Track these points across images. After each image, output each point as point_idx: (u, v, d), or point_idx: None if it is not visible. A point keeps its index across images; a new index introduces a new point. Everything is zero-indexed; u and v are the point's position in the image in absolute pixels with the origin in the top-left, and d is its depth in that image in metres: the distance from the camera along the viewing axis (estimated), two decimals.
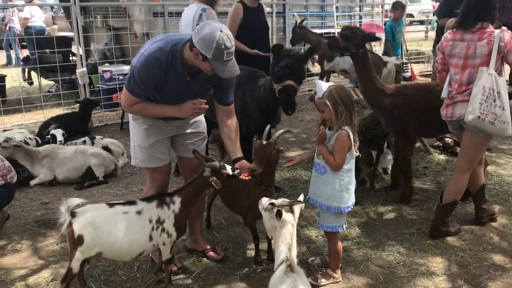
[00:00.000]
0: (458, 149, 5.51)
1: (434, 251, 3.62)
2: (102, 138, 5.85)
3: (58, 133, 5.73)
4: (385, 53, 8.01)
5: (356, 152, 3.05)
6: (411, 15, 21.75)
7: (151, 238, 2.90)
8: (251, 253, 3.58)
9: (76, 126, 6.39)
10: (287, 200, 2.68)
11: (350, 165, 3.04)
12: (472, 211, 4.22)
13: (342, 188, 3.04)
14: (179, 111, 3.03)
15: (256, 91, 4.15)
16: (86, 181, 5.03)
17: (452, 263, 3.46)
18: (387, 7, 14.69)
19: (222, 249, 3.63)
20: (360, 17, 12.32)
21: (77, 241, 2.74)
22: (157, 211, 2.92)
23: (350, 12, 12.12)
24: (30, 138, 5.77)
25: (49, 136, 5.77)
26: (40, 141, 5.88)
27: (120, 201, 3.00)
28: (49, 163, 5.05)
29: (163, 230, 2.91)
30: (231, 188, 3.37)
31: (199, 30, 2.77)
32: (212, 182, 2.89)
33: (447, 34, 3.62)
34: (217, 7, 5.44)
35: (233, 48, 2.79)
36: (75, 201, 2.83)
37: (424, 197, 4.55)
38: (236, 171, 2.97)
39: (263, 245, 3.51)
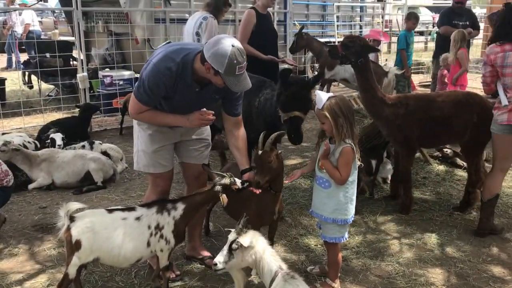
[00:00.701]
0: (458, 159, 5.59)
1: (434, 262, 3.60)
2: (101, 143, 5.83)
3: (58, 137, 5.71)
4: (400, 62, 7.91)
5: (359, 162, 3.04)
6: None
7: (149, 244, 2.87)
8: None
9: (76, 131, 6.38)
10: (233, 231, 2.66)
11: (353, 176, 3.02)
12: (472, 222, 4.22)
13: (347, 200, 3.01)
14: (187, 122, 3.02)
15: (263, 104, 4.06)
16: (84, 186, 5.01)
17: (452, 275, 3.45)
18: (387, 17, 14.81)
19: None
20: (361, 27, 12.39)
21: (74, 246, 2.72)
22: (156, 217, 2.90)
23: (351, 22, 12.20)
24: (29, 142, 5.76)
25: (48, 140, 5.75)
26: (39, 145, 5.87)
27: (120, 207, 2.98)
28: (47, 167, 5.03)
29: (161, 236, 2.89)
30: (238, 196, 3.35)
31: (211, 45, 2.76)
32: (221, 198, 2.89)
33: (494, 48, 3.64)
34: (221, 17, 5.48)
35: (245, 62, 2.79)
36: (74, 205, 2.82)
37: (424, 207, 4.54)
38: (245, 184, 2.97)
39: None
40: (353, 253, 3.70)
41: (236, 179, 2.94)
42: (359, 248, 3.78)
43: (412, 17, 8.09)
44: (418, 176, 5.29)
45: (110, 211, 2.90)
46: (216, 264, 2.60)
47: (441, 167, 5.58)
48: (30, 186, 5.01)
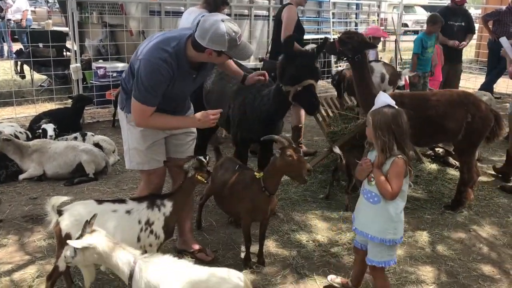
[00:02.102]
0: (450, 158, 5.61)
1: (424, 259, 3.62)
2: (93, 135, 5.80)
3: (49, 127, 5.66)
4: (410, 67, 7.41)
5: (411, 181, 2.79)
6: (405, 25, 21.88)
7: (139, 239, 2.85)
8: (241, 255, 3.55)
9: (68, 122, 6.34)
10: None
11: (403, 194, 2.74)
12: (462, 221, 4.25)
13: (397, 219, 2.73)
14: (198, 123, 3.00)
15: (258, 100, 3.93)
16: (76, 178, 4.97)
17: (442, 273, 3.47)
18: (383, 15, 14.82)
19: (212, 250, 3.60)
20: (356, 24, 12.39)
21: (64, 240, 2.67)
22: (147, 212, 2.87)
23: (346, 19, 12.18)
24: (20, 132, 5.72)
25: (40, 131, 5.70)
26: (30, 136, 5.82)
27: (110, 199, 2.95)
28: (39, 157, 4.99)
29: (151, 232, 2.87)
30: (231, 191, 3.37)
31: (203, 32, 2.72)
32: (199, 178, 2.90)
33: None
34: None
35: (239, 30, 2.79)
36: (60, 199, 2.77)
37: (415, 205, 4.55)
38: (207, 157, 3.00)
39: (254, 248, 3.48)
40: (345, 250, 3.70)
41: (201, 158, 2.95)
42: (351, 245, 3.77)
43: (438, 20, 7.15)
44: None
45: (100, 202, 2.86)
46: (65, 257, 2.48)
47: (433, 166, 5.60)
48: (21, 177, 4.96)
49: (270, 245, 3.72)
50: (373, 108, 2.76)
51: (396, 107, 2.75)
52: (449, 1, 7.88)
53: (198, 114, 2.99)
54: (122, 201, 2.91)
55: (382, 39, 7.50)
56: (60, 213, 2.73)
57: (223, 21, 2.73)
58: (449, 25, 7.45)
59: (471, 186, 4.40)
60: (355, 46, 4.05)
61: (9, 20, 12.43)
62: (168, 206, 2.91)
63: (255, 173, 3.28)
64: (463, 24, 7.55)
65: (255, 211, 3.28)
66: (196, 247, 3.55)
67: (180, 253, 3.56)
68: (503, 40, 4.82)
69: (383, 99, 2.76)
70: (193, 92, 3.28)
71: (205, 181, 2.95)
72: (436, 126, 4.20)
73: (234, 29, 2.74)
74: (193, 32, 2.79)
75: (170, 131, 3.25)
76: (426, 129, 4.20)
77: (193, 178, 2.92)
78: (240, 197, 3.30)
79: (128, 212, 2.84)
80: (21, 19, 12.28)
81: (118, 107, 3.25)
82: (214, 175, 3.68)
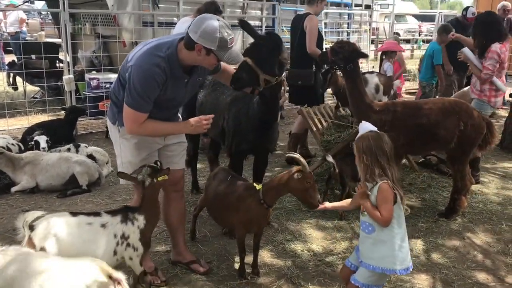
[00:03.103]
0: (443, 166, 5.64)
1: (419, 268, 3.62)
2: (86, 146, 5.77)
3: (42, 139, 5.63)
4: (432, 77, 7.26)
5: (405, 206, 2.71)
6: (397, 34, 22.04)
7: (115, 253, 2.81)
8: (235, 266, 3.53)
9: (61, 133, 6.31)
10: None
11: (400, 220, 2.67)
12: (456, 228, 4.25)
13: (395, 247, 2.63)
14: (191, 128, 2.98)
15: (251, 109, 3.85)
16: (69, 189, 4.94)
17: (437, 281, 3.47)
18: (374, 25, 14.95)
19: (207, 261, 3.58)
20: (348, 34, 12.48)
21: None
22: (121, 226, 2.84)
23: (338, 28, 12.27)
24: (12, 144, 5.69)
25: (32, 143, 5.67)
26: (23, 147, 5.78)
27: (84, 211, 2.92)
28: (31, 170, 4.96)
29: (128, 245, 2.84)
30: (226, 202, 3.36)
31: (197, 27, 2.73)
32: (159, 180, 2.89)
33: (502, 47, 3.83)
34: None
35: (233, 35, 2.80)
36: (33, 214, 2.74)
37: (409, 213, 4.53)
38: (158, 163, 2.99)
39: (248, 259, 3.47)
40: (339, 259, 3.70)
41: (152, 164, 2.95)
42: (345, 254, 3.77)
43: (447, 30, 7.15)
44: (404, 182, 5.31)
45: (74, 214, 2.82)
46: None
47: (427, 174, 5.62)
48: (13, 189, 4.93)
49: (265, 255, 3.71)
50: (357, 136, 2.78)
51: (378, 131, 2.77)
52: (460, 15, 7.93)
53: (192, 120, 2.99)
54: (96, 214, 2.87)
55: (398, 52, 7.47)
56: (32, 228, 2.67)
57: (219, 20, 2.75)
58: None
59: (464, 193, 4.42)
60: (347, 55, 4.08)
61: (1, 34, 12.40)
62: (140, 219, 2.88)
63: (255, 185, 3.28)
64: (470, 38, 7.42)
65: (251, 223, 3.28)
66: (191, 257, 3.52)
67: (174, 264, 3.55)
68: (466, 50, 5.05)
69: (366, 126, 2.79)
70: (186, 106, 3.28)
71: (166, 177, 2.94)
72: (428, 134, 4.22)
73: (228, 31, 2.75)
74: (187, 30, 2.79)
75: (164, 142, 3.23)
76: (419, 137, 4.22)
77: (153, 184, 2.90)
78: (236, 209, 3.29)
79: (103, 225, 2.80)
80: (15, 32, 12.24)
81: (109, 122, 3.21)
82: (207, 186, 3.68)
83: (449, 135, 4.19)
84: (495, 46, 5.04)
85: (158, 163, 2.99)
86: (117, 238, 2.80)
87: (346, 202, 2.96)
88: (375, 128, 2.78)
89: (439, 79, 7.32)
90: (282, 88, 3.52)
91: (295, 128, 6.10)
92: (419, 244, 3.97)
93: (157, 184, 2.92)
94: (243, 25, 3.48)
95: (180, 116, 3.42)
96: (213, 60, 2.83)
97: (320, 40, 5.84)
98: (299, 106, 6.12)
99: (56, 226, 2.68)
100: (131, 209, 2.94)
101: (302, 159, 3.04)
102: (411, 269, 2.71)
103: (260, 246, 3.50)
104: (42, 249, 2.62)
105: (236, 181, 3.46)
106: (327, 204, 3.03)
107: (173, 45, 2.85)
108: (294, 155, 3.07)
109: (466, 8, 7.92)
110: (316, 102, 5.89)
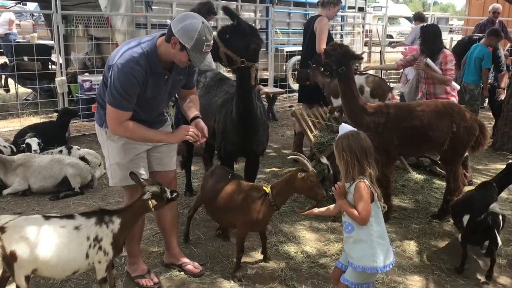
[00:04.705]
0: (436, 168, 5.67)
1: (412, 269, 3.63)
2: (79, 148, 5.75)
3: (34, 142, 5.61)
4: (479, 79, 7.05)
5: (382, 203, 2.73)
6: (390, 36, 22.19)
7: (87, 256, 2.77)
8: (229, 268, 3.53)
9: (53, 135, 6.29)
10: None
11: (377, 218, 2.69)
12: (449, 229, 4.27)
13: (374, 245, 2.65)
14: (170, 138, 2.99)
15: (235, 109, 3.78)
16: (61, 192, 4.91)
17: (430, 282, 3.48)
18: (367, 27, 15.02)
19: (200, 263, 3.57)
20: (341, 36, 12.53)
21: (10, 258, 2.59)
22: (95, 228, 2.79)
23: (332, 30, 12.31)
24: (4, 146, 5.66)
25: (24, 145, 5.63)
26: (15, 150, 5.75)
27: (57, 214, 2.88)
28: (23, 172, 4.93)
29: (100, 248, 2.79)
30: (229, 201, 3.39)
31: (180, 20, 2.72)
32: (150, 203, 2.83)
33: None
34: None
35: (212, 42, 2.79)
36: (5, 218, 2.69)
37: (403, 215, 4.57)
38: (174, 194, 2.94)
39: (245, 259, 3.47)
40: (333, 261, 3.69)
41: (167, 189, 2.91)
42: (339, 256, 3.77)
43: (496, 33, 7.09)
44: (397, 184, 5.33)
45: (47, 218, 2.77)
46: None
47: (420, 176, 5.64)
48: (5, 192, 4.89)
49: (258, 257, 3.70)
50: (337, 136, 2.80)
51: (358, 131, 2.81)
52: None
53: (180, 129, 2.98)
54: (70, 216, 2.82)
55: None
56: (2, 230, 2.63)
57: (203, 23, 2.73)
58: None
59: (457, 195, 4.43)
60: (339, 58, 4.09)
61: None
62: (116, 223, 2.84)
63: (264, 187, 3.33)
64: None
65: (256, 224, 3.31)
66: (184, 259, 3.51)
67: (167, 266, 3.53)
68: (429, 60, 5.17)
69: (345, 127, 2.82)
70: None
71: (152, 209, 2.88)
72: (422, 136, 4.23)
73: (207, 36, 2.74)
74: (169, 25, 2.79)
75: (153, 143, 3.20)
76: (411, 139, 4.23)
77: (146, 201, 2.85)
78: (243, 209, 3.30)
79: (76, 228, 2.75)
80: (5, 33, 12.17)
81: (96, 125, 3.19)
82: (204, 184, 3.67)
83: (442, 136, 4.21)
84: (448, 51, 5.26)
85: (173, 193, 2.96)
86: (89, 240, 2.76)
87: (331, 206, 2.98)
88: (355, 129, 2.82)
89: (483, 82, 7.23)
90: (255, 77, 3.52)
91: (297, 128, 6.14)
92: (412, 246, 3.98)
93: (147, 203, 2.84)
94: (226, 10, 3.52)
95: (169, 119, 3.41)
96: (184, 58, 2.80)
97: (330, 42, 5.86)
98: (293, 108, 6.14)
99: (27, 229, 2.64)
100: (108, 212, 2.89)
101: (303, 159, 3.13)
102: (391, 266, 2.73)
103: (253, 248, 3.51)
104: (12, 252, 2.58)
105: (239, 181, 3.50)
106: (315, 210, 3.10)
107: (153, 40, 2.85)
108: (297, 156, 3.18)
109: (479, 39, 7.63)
110: (324, 101, 6.01)
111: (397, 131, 4.20)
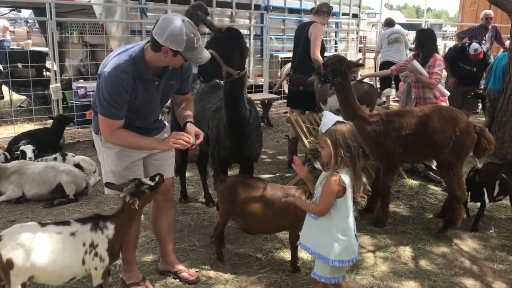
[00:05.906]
0: (431, 173, 5.68)
1: (408, 275, 3.63)
2: (73, 155, 5.72)
3: (28, 149, 5.58)
4: (500, 84, 7.14)
5: (355, 195, 2.77)
6: None
7: (83, 262, 2.76)
8: (224, 275, 3.52)
9: (48, 142, 6.26)
10: None
11: (344, 212, 2.71)
12: (445, 235, 4.28)
13: (332, 237, 2.69)
14: (159, 144, 2.96)
15: (225, 113, 3.77)
16: (56, 199, 4.89)
17: (425, 287, 3.48)
18: (362, 33, 15.09)
19: (195, 270, 3.56)
20: (336, 42, 12.59)
21: (7, 266, 2.57)
22: (91, 234, 2.78)
23: (326, 37, 12.37)
24: None
25: (18, 152, 5.61)
26: (9, 157, 5.71)
27: (53, 221, 2.87)
28: (17, 179, 4.90)
29: (96, 254, 2.78)
30: (275, 207, 3.43)
31: (161, 29, 2.68)
32: (132, 202, 2.82)
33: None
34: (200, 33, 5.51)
35: (199, 34, 2.78)
36: None
37: (397, 221, 4.58)
38: (157, 178, 2.92)
39: (240, 267, 3.45)
40: None
41: (143, 179, 2.91)
42: None
43: None
44: (392, 189, 5.33)
45: (43, 225, 2.76)
46: None
47: (414, 181, 5.66)
48: None
49: (254, 264, 3.69)
50: (325, 128, 2.71)
51: (345, 121, 2.77)
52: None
53: (169, 137, 2.95)
54: (66, 223, 2.82)
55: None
56: None
57: (183, 21, 2.71)
58: (460, 67, 7.34)
59: (465, 203, 4.38)
60: (334, 68, 4.12)
61: None
62: (110, 228, 2.83)
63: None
64: (474, 70, 7.35)
65: (303, 220, 3.13)
66: (179, 266, 3.50)
67: (162, 273, 3.52)
68: (416, 62, 5.26)
69: (330, 117, 2.75)
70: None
71: (137, 208, 2.85)
72: (424, 143, 4.20)
73: (193, 31, 2.72)
74: (151, 31, 2.77)
75: (149, 150, 3.18)
76: (414, 146, 4.20)
77: (128, 204, 2.83)
78: (290, 210, 3.33)
79: (72, 234, 2.74)
80: (2, 34, 12.16)
81: (93, 132, 3.19)
82: (229, 198, 3.61)
83: (445, 142, 4.16)
84: (439, 56, 5.33)
85: (154, 178, 2.93)
86: (85, 246, 2.75)
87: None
88: (339, 117, 2.78)
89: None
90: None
91: (291, 134, 6.15)
92: (407, 251, 3.98)
93: (132, 204, 2.83)
94: (202, 19, 3.58)
95: (167, 125, 3.40)
96: (180, 61, 2.81)
97: (322, 50, 5.94)
98: (287, 114, 6.16)
99: (23, 237, 2.62)
100: (103, 218, 2.89)
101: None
102: (351, 263, 2.78)
103: (249, 255, 3.49)
104: (9, 260, 2.56)
105: (268, 184, 3.58)
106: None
107: (140, 47, 2.84)
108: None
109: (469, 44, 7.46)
110: (314, 108, 6.07)
111: (400, 139, 4.18)
